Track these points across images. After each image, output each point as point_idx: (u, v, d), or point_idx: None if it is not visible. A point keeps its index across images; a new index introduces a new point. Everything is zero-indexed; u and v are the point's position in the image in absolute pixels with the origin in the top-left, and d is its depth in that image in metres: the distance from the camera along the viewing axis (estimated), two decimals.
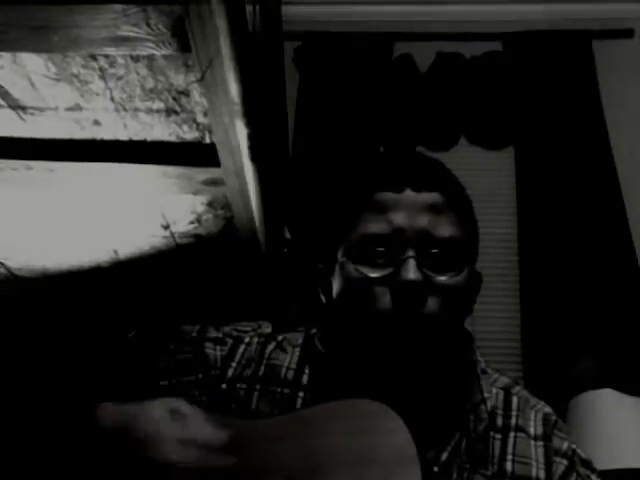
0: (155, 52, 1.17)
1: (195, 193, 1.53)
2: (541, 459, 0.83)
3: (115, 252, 1.78)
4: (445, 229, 0.82)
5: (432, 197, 0.84)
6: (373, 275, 0.80)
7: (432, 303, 0.79)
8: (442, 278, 0.80)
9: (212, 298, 1.91)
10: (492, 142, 2.45)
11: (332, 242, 0.89)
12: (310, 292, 0.99)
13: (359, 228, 0.84)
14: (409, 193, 0.83)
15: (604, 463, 1.72)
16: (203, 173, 1.46)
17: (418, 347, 0.78)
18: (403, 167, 0.89)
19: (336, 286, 0.86)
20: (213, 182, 1.48)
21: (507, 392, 0.88)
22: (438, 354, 0.80)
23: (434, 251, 0.81)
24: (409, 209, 0.82)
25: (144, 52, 1.18)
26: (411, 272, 0.78)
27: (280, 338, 0.92)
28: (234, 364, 0.88)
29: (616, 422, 1.87)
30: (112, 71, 1.24)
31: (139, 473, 0.69)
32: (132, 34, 1.12)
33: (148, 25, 1.11)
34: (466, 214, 0.88)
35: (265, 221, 1.64)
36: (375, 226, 0.82)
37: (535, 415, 0.86)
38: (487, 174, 2.42)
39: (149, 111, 1.35)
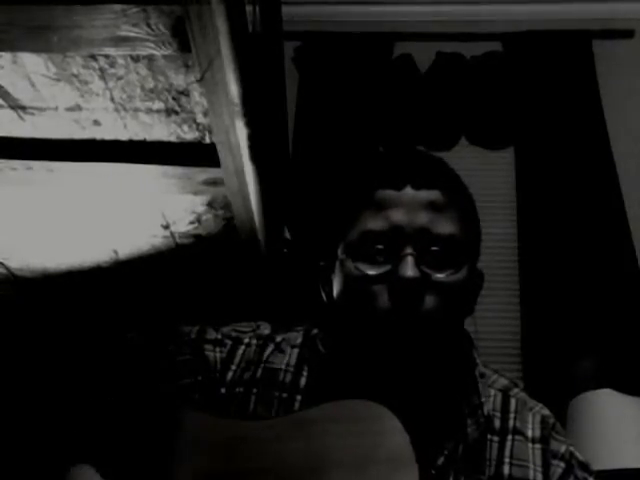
0: (155, 52, 1.17)
1: (195, 193, 1.53)
2: (539, 462, 0.82)
3: (115, 252, 1.78)
4: (445, 227, 0.82)
5: (432, 195, 0.83)
6: (372, 273, 0.80)
7: (430, 301, 0.79)
8: (441, 276, 0.80)
9: (212, 298, 1.91)
10: (492, 142, 2.45)
11: (332, 239, 0.88)
12: (310, 292, 0.99)
13: (359, 225, 0.84)
14: (409, 190, 0.83)
15: (604, 463, 1.73)
16: (203, 173, 1.46)
17: (415, 345, 0.78)
18: (403, 164, 0.89)
19: (336, 284, 0.86)
20: (213, 182, 1.48)
21: (505, 394, 0.88)
22: (436, 353, 0.80)
23: (433, 249, 0.81)
24: (408, 206, 0.82)
25: (144, 52, 1.18)
26: (409, 269, 0.77)
27: (279, 339, 0.91)
28: (233, 367, 0.88)
29: (616, 422, 1.87)
30: (112, 71, 1.24)
31: None
32: (132, 34, 1.12)
33: (148, 25, 1.11)
34: (467, 212, 0.88)
35: (265, 221, 1.64)
36: (374, 223, 0.82)
37: (533, 418, 0.86)
38: (487, 174, 2.42)
39: (149, 111, 1.35)
